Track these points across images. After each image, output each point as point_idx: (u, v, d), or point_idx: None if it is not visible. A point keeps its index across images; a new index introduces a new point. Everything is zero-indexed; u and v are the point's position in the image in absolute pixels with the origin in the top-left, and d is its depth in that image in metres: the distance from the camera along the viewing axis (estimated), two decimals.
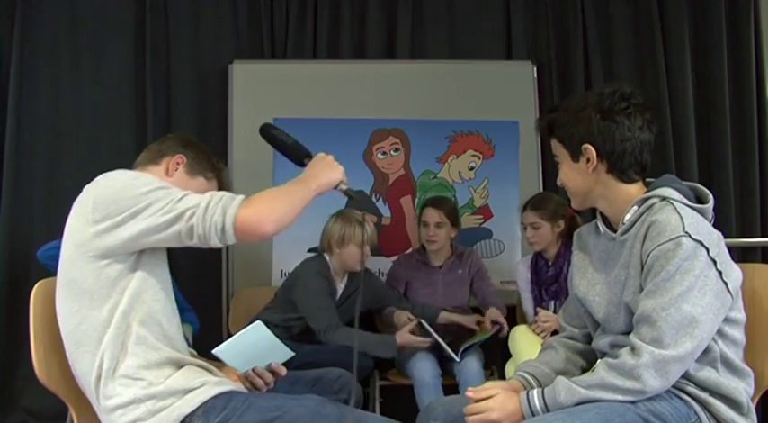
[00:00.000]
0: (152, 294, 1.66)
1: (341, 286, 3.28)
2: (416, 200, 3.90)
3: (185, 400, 1.56)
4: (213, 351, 1.79)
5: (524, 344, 2.96)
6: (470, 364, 3.09)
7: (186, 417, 1.54)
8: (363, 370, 3.12)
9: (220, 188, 2.00)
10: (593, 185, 1.72)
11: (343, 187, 1.82)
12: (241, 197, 1.60)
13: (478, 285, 3.47)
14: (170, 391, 1.57)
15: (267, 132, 1.93)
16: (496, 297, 3.45)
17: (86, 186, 1.71)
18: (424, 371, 3.04)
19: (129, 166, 1.90)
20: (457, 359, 3.07)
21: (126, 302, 1.62)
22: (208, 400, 1.57)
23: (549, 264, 3.17)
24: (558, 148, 1.76)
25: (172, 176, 1.92)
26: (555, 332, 2.96)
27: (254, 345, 1.89)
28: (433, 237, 3.38)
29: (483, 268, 3.51)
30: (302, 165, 1.86)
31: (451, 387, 3.07)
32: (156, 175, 1.85)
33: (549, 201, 3.17)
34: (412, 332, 3.08)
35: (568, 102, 1.77)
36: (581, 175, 1.73)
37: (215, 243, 1.57)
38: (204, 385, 1.60)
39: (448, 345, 3.12)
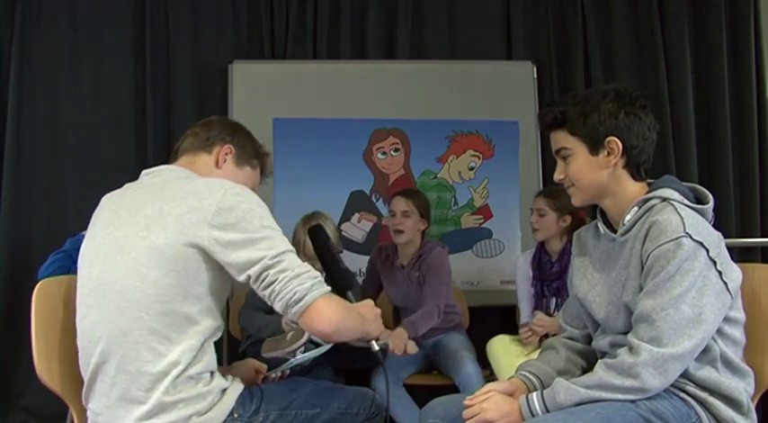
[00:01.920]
0: (220, 311, 1.72)
1: None
2: None
3: (227, 396, 1.67)
4: (305, 355, 1.86)
5: (503, 358, 2.96)
6: (468, 368, 3.01)
7: (231, 408, 1.66)
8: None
9: (263, 173, 1.97)
10: (607, 180, 1.72)
11: (376, 346, 1.82)
12: (329, 289, 1.61)
13: (426, 282, 3.19)
14: (220, 388, 1.67)
15: (324, 242, 1.93)
16: (434, 294, 3.12)
17: (202, 187, 1.65)
18: (380, 383, 2.96)
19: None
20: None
21: (218, 318, 1.68)
22: (239, 394, 1.70)
23: (553, 260, 3.13)
24: (569, 140, 1.73)
25: (221, 168, 1.85)
26: (546, 336, 2.95)
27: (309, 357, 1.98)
28: (399, 225, 3.20)
29: (436, 268, 3.19)
30: (341, 294, 1.79)
31: (441, 388, 3.00)
32: (206, 164, 1.83)
33: (564, 194, 3.09)
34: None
35: (576, 96, 1.75)
36: (598, 169, 1.71)
37: (279, 307, 1.58)
38: (231, 383, 1.72)
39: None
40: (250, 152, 1.91)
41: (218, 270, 1.64)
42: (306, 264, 1.61)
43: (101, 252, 1.68)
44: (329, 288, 1.61)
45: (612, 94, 1.71)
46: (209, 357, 1.66)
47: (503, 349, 3.04)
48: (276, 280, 1.56)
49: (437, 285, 3.15)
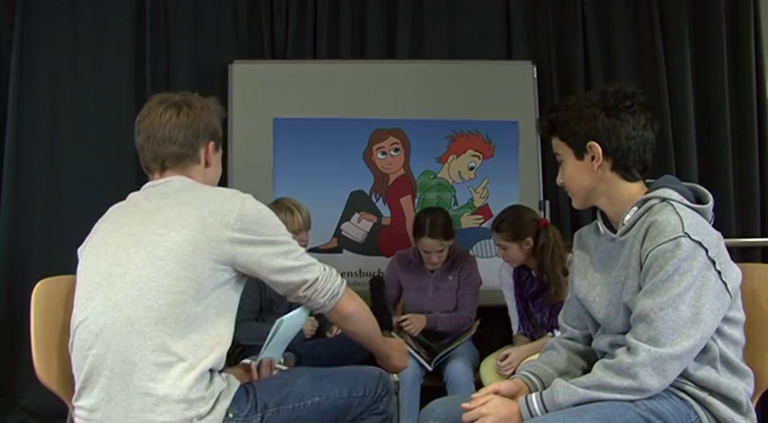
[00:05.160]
0: (231, 318, 1.73)
1: None
2: (416, 200, 3.90)
3: (223, 396, 1.69)
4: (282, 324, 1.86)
5: (493, 379, 2.96)
6: (456, 365, 3.06)
7: (227, 409, 1.68)
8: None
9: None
10: (597, 183, 1.73)
11: (396, 377, 2.15)
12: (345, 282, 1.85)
13: (460, 292, 3.38)
14: (219, 390, 1.68)
15: (379, 288, 2.41)
16: (469, 306, 3.36)
17: (220, 195, 1.74)
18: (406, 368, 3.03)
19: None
20: (429, 368, 3.07)
21: (227, 323, 1.70)
22: (234, 394, 1.71)
23: (533, 275, 3.14)
24: (560, 146, 1.77)
25: (211, 165, 1.90)
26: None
27: (284, 333, 1.91)
28: (436, 264, 3.32)
29: (471, 276, 3.40)
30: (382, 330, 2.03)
31: (438, 389, 3.01)
32: (199, 172, 1.86)
33: (516, 221, 3.08)
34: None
35: (569, 101, 1.78)
36: (585, 173, 1.73)
37: (320, 302, 1.78)
38: (227, 382, 1.72)
39: (428, 348, 3.19)
40: (219, 130, 1.95)
41: (228, 273, 1.67)
42: (317, 262, 1.79)
43: (112, 247, 1.69)
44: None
45: (598, 97, 1.72)
46: (216, 360, 1.65)
47: (491, 373, 3.06)
48: (317, 279, 1.77)
49: (473, 299, 3.37)
